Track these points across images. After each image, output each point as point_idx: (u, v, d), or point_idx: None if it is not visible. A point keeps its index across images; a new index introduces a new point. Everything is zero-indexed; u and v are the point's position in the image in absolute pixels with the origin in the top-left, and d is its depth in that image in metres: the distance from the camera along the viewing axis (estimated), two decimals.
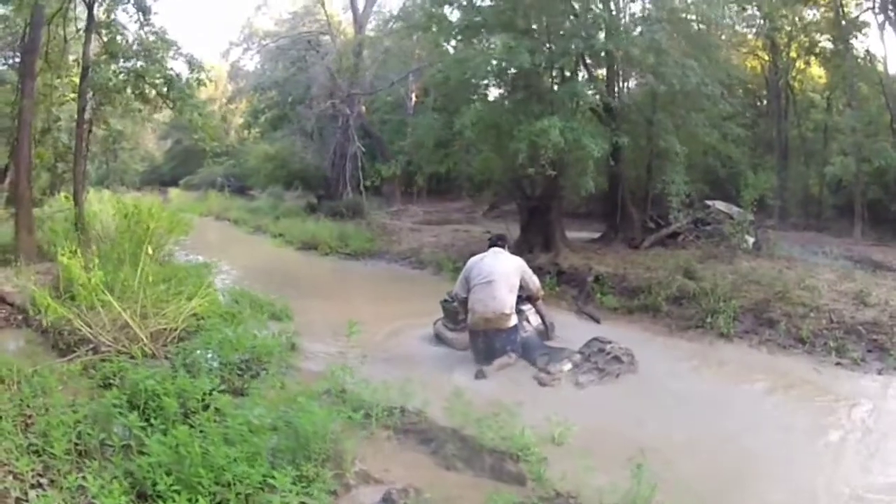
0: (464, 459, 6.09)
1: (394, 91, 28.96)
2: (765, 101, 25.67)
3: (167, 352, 8.04)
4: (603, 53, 16.00)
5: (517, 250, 11.62)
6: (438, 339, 10.35)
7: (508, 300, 9.20)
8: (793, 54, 24.16)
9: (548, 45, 15.33)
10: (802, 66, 24.79)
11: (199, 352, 7.78)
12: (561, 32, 15.51)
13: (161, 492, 4.23)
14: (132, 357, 7.47)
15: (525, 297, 9.86)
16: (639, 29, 15.00)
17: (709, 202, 18.13)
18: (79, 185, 13.68)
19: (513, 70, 15.34)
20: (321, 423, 5.23)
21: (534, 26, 15.76)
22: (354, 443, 5.65)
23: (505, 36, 14.66)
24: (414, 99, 30.97)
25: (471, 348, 9.41)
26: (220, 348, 7.79)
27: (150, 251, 9.80)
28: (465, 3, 16.55)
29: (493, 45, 15.13)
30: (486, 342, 9.18)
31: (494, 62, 15.28)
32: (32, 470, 4.44)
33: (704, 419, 7.69)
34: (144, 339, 7.96)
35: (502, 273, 9.29)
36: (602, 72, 17.95)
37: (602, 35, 15.01)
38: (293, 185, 30.53)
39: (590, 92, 15.07)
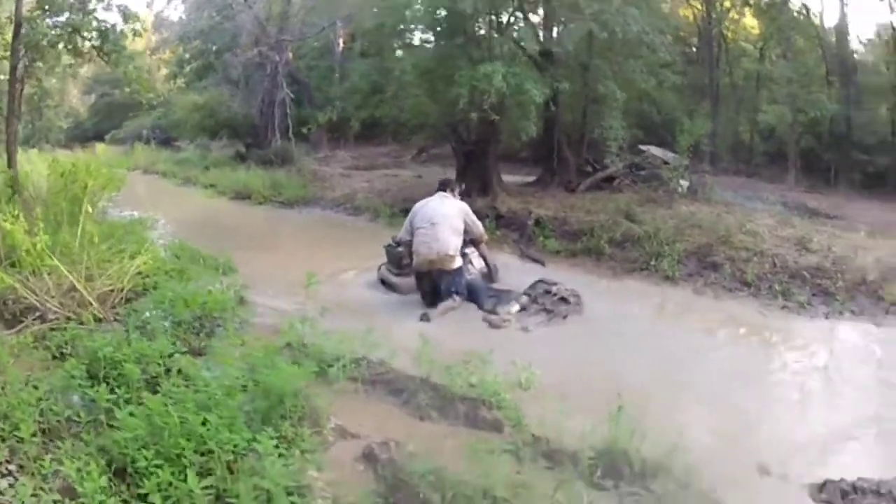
0: (437, 408, 5.90)
1: (322, 37, 28.12)
2: (696, 49, 25.71)
3: (117, 314, 7.55)
4: None
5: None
6: (384, 284, 10.30)
7: (452, 242, 9.26)
8: (727, 4, 24.23)
9: None
10: (736, 17, 24.96)
11: (150, 312, 7.37)
12: None
13: (141, 468, 3.90)
14: (82, 323, 7.02)
15: (469, 241, 9.90)
16: None
17: (643, 147, 18.17)
18: (12, 145, 12.84)
19: (443, 13, 15.15)
20: (291, 380, 4.95)
21: None
22: (327, 398, 5.41)
23: None
24: (342, 45, 30.05)
25: (421, 292, 9.45)
26: (171, 307, 7.36)
27: (90, 210, 9.28)
28: None
29: None
30: (431, 284, 9.27)
31: (429, 7, 14.95)
32: None
33: (659, 363, 7.66)
34: (93, 303, 7.45)
35: (446, 216, 9.35)
36: (536, 17, 17.70)
37: None
38: (220, 136, 29.51)
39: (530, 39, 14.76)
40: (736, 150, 24.43)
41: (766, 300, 10.14)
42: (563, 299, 9.31)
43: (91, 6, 12.61)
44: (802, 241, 11.81)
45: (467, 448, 4.73)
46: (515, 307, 9.16)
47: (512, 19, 16.04)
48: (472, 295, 9.39)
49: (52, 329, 6.81)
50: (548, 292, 9.43)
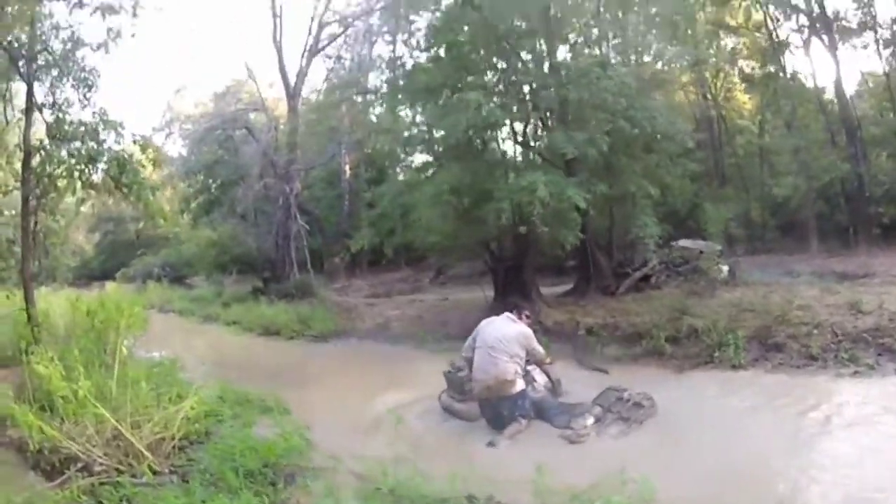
0: None
1: (326, 166, 28.14)
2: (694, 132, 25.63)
3: (171, 465, 6.79)
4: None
5: (493, 314, 10.93)
6: (448, 412, 9.59)
7: (510, 367, 8.74)
8: (719, 83, 24.28)
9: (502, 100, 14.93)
10: (729, 95, 25.19)
11: (211, 462, 6.59)
12: (527, 85, 15.32)
13: None
14: (135, 475, 6.33)
15: (533, 362, 9.41)
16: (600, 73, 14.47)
17: (672, 242, 17.61)
18: (28, 281, 12.05)
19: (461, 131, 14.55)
20: None
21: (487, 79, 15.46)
22: None
23: (472, 93, 13.88)
24: (348, 171, 30.18)
25: (487, 418, 8.87)
26: (236, 455, 6.54)
27: (124, 350, 8.55)
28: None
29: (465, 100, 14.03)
30: (493, 410, 8.77)
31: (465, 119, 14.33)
32: None
33: (768, 451, 7.19)
34: (144, 453, 6.66)
35: (504, 339, 8.87)
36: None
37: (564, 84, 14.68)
38: (232, 271, 29.04)
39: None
40: (749, 228, 23.94)
41: (836, 369, 9.89)
42: (637, 404, 8.75)
43: (103, 136, 11.95)
44: (855, 306, 11.58)
45: None
46: (590, 419, 8.56)
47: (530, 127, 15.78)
48: (541, 413, 8.88)
49: (102, 483, 6.14)
50: (620, 399, 8.87)
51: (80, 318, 9.72)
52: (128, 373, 8.17)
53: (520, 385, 8.78)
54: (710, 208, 16.87)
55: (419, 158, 18.52)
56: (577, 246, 16.61)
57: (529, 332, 9.31)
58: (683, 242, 17.56)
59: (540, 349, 9.36)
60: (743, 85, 25.10)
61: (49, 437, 6.57)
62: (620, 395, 8.93)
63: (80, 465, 6.54)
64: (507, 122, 15.26)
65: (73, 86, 12.00)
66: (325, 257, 27.84)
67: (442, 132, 14.97)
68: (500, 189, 13.72)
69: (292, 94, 24.33)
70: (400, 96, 18.13)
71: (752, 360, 10.73)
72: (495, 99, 14.08)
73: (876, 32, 22.60)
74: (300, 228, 23.93)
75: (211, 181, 28.60)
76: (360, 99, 27.31)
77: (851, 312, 11.37)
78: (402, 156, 18.19)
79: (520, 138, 16.61)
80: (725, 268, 16.09)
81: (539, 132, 16.35)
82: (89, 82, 11.99)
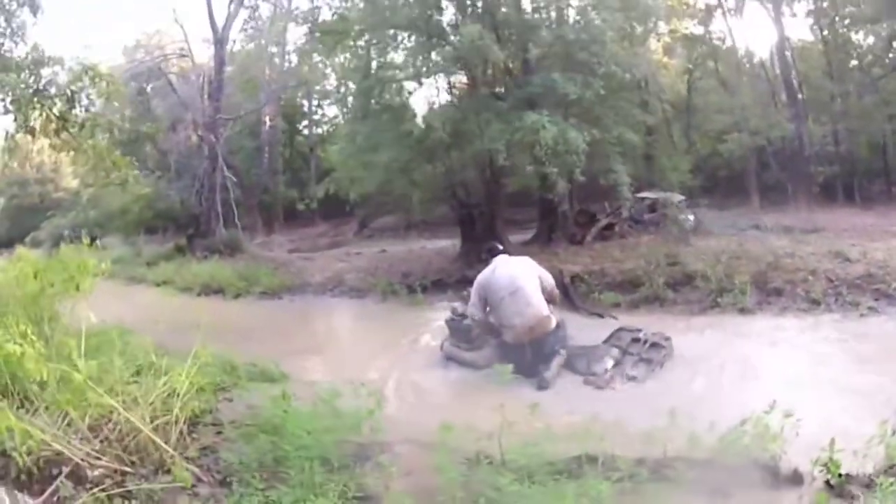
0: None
1: (246, 118, 26.16)
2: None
3: (187, 458, 5.11)
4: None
5: (463, 262, 9.95)
6: (453, 361, 8.90)
7: (542, 302, 8.33)
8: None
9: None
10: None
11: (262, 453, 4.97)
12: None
13: None
14: (144, 477, 4.61)
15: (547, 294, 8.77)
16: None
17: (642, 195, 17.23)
18: None
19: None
20: None
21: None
22: None
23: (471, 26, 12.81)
24: (269, 123, 28.27)
25: (514, 362, 7.45)
26: (306, 438, 4.94)
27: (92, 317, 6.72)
28: None
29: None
30: (536, 350, 8.11)
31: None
32: None
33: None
34: (160, 443, 5.00)
35: (524, 277, 8.40)
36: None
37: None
38: (161, 228, 26.73)
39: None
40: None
41: (843, 312, 10.02)
42: (656, 344, 8.35)
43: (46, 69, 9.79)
44: (840, 255, 11.97)
45: None
46: (610, 362, 8.10)
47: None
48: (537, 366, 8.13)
49: (102, 490, 4.36)
50: (636, 340, 8.46)
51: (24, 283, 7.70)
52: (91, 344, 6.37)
53: (554, 319, 8.36)
54: (666, 160, 16.28)
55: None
56: (540, 194, 16.03)
57: (531, 260, 8.97)
58: (646, 193, 17.15)
59: (549, 276, 8.85)
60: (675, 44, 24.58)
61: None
62: (636, 335, 8.55)
63: (66, 469, 4.82)
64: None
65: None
66: (243, 212, 25.90)
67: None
68: (497, 128, 12.54)
69: (219, 40, 21.99)
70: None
71: (757, 305, 10.61)
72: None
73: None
74: (226, 181, 21.89)
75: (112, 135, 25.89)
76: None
77: (839, 261, 11.69)
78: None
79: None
80: (692, 217, 15.75)
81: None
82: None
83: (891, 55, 22.04)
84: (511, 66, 14.41)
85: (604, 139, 13.93)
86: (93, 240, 21.33)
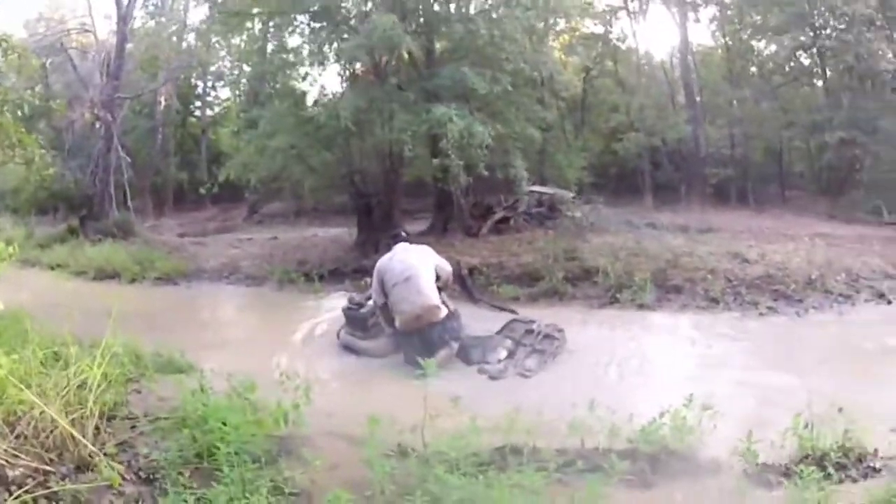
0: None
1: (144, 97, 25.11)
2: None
3: (105, 453, 4.88)
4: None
5: (360, 251, 10.01)
6: (349, 350, 8.96)
7: (434, 292, 8.41)
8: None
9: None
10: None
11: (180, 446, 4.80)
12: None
13: None
14: (64, 477, 4.32)
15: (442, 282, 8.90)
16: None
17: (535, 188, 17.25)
18: None
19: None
20: None
21: None
22: None
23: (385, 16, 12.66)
24: (163, 104, 27.23)
25: (404, 351, 8.29)
26: (232, 433, 4.76)
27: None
28: None
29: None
30: (423, 339, 8.14)
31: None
32: None
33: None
34: (79, 438, 4.77)
35: (418, 266, 8.47)
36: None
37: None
38: (54, 209, 25.23)
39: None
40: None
41: (742, 311, 10.32)
42: (549, 336, 8.47)
43: None
44: (738, 255, 12.32)
45: None
46: (503, 353, 8.21)
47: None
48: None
49: (47, 497, 4.11)
50: (529, 331, 8.56)
51: None
52: None
53: (444, 310, 8.40)
54: (562, 157, 16.60)
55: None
56: (437, 186, 16.10)
57: (430, 249, 9.03)
58: (539, 188, 17.33)
59: (447, 265, 8.95)
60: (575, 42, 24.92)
61: None
62: (529, 326, 8.65)
63: None
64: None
65: None
66: (135, 193, 24.83)
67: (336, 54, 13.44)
68: (402, 119, 12.62)
69: (122, 17, 20.87)
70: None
71: (656, 301, 10.79)
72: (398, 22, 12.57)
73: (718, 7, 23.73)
74: (122, 161, 20.89)
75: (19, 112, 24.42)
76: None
77: (738, 261, 12.04)
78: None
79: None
80: (578, 214, 15.90)
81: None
82: None
83: (791, 64, 23.14)
84: (416, 57, 14.31)
85: (506, 134, 14.11)
86: None
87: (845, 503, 4.12)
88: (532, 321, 8.86)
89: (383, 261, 8.66)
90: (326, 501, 3.79)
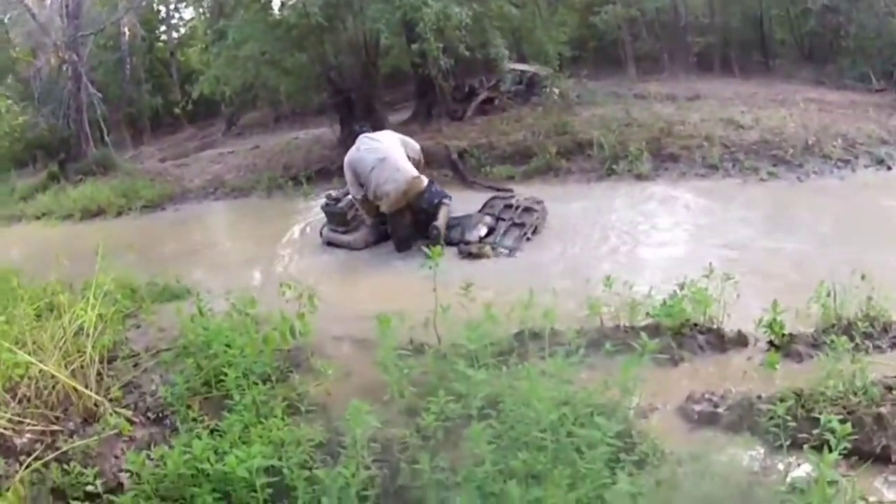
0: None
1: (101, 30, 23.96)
2: None
3: (108, 398, 4.60)
4: None
5: (343, 147, 10.11)
6: (332, 244, 9.10)
7: (410, 165, 8.41)
8: None
9: None
10: None
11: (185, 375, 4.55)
12: None
13: None
14: (73, 433, 4.19)
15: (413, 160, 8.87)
16: None
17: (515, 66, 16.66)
18: None
19: None
20: None
21: None
22: None
23: None
24: (128, 34, 26.19)
25: (395, 234, 8.47)
26: (238, 355, 4.46)
27: None
28: None
29: None
30: (417, 210, 8.32)
31: None
32: None
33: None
34: (89, 393, 4.51)
35: (387, 147, 8.44)
36: None
37: None
38: (32, 159, 24.66)
39: None
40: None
41: (742, 177, 10.15)
42: (528, 209, 8.46)
43: None
44: (732, 122, 11.95)
45: None
46: (483, 230, 8.20)
47: None
48: (425, 229, 8.28)
49: (58, 459, 3.88)
50: (508, 206, 8.58)
51: None
52: None
53: (425, 178, 8.44)
54: (541, 33, 15.93)
55: None
56: (417, 71, 15.58)
57: (394, 131, 9.11)
58: (517, 65, 16.67)
59: (414, 142, 9.06)
60: None
61: None
62: (508, 201, 8.70)
63: None
64: None
65: None
66: (110, 127, 24.23)
67: None
68: (377, 8, 11.95)
69: None
70: None
71: (653, 171, 10.60)
72: None
73: None
74: (93, 98, 20.11)
75: None
76: None
77: (732, 127, 11.73)
78: None
79: None
80: (563, 88, 15.27)
81: None
82: None
83: None
84: None
85: (482, 13, 13.37)
86: None
87: (880, 374, 3.93)
88: (511, 196, 8.97)
89: (351, 153, 8.56)
90: (345, 414, 3.49)
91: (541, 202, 8.62)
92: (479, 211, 8.63)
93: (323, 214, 9.39)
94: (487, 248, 7.79)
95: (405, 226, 8.32)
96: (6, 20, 23.28)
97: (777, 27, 22.42)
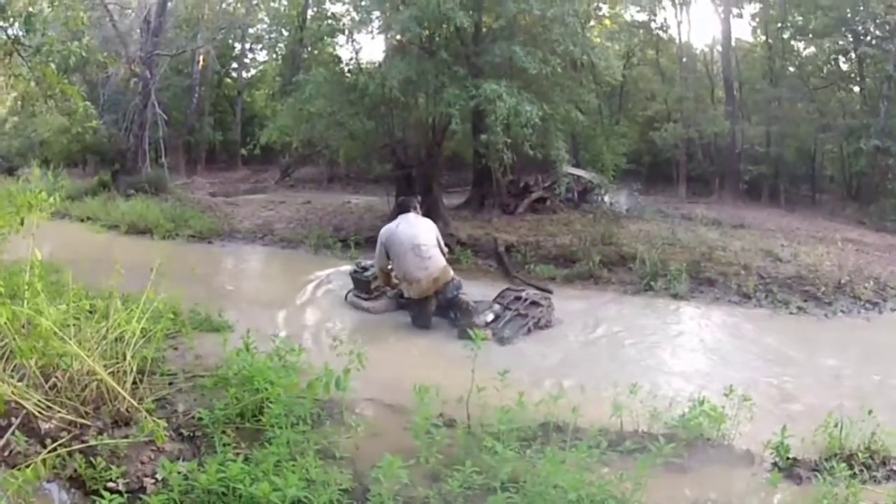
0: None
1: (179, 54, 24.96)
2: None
3: (153, 413, 4.79)
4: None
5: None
6: (356, 308, 9.55)
7: (441, 256, 8.81)
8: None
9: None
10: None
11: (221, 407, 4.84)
12: None
13: None
14: (100, 432, 4.43)
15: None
16: None
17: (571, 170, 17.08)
18: None
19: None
20: None
21: None
22: None
23: None
24: (201, 63, 27.27)
25: (418, 314, 8.76)
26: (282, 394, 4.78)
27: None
28: None
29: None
30: (442, 297, 8.64)
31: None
32: None
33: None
34: (127, 396, 4.78)
35: (424, 234, 8.80)
36: None
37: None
38: (83, 162, 25.28)
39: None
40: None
41: (772, 309, 10.26)
42: (535, 303, 8.77)
43: None
44: (771, 253, 12.49)
45: None
46: (490, 316, 8.58)
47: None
48: (443, 311, 8.78)
49: (82, 451, 4.16)
50: (518, 298, 8.93)
51: None
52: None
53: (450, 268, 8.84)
54: (602, 142, 16.48)
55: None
56: (476, 163, 16.29)
57: (432, 222, 9.30)
58: (573, 169, 17.08)
59: (442, 241, 9.26)
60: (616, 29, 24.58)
61: None
62: (518, 293, 9.06)
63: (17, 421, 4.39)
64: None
65: None
66: (168, 151, 24.93)
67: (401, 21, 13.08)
68: (450, 93, 12.38)
69: None
70: None
71: (689, 292, 10.71)
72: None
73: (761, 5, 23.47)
74: (158, 118, 20.80)
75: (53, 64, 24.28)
76: None
77: (770, 259, 12.15)
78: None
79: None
80: (609, 200, 16.04)
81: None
82: None
83: (830, 68, 22.85)
84: (464, 31, 13.98)
85: (550, 115, 13.83)
86: (10, 171, 19.42)
87: (871, 502, 4.24)
88: (522, 289, 9.42)
89: (389, 228, 8.95)
90: (378, 467, 3.78)
91: (548, 298, 9.07)
92: (494, 300, 9.02)
93: (350, 280, 9.84)
94: (483, 333, 7.93)
95: (428, 313, 8.69)
96: (86, 20, 24.01)
97: (828, 163, 23.21)
